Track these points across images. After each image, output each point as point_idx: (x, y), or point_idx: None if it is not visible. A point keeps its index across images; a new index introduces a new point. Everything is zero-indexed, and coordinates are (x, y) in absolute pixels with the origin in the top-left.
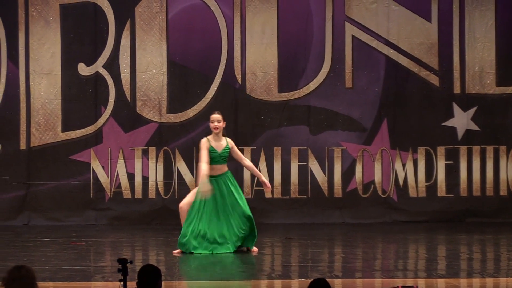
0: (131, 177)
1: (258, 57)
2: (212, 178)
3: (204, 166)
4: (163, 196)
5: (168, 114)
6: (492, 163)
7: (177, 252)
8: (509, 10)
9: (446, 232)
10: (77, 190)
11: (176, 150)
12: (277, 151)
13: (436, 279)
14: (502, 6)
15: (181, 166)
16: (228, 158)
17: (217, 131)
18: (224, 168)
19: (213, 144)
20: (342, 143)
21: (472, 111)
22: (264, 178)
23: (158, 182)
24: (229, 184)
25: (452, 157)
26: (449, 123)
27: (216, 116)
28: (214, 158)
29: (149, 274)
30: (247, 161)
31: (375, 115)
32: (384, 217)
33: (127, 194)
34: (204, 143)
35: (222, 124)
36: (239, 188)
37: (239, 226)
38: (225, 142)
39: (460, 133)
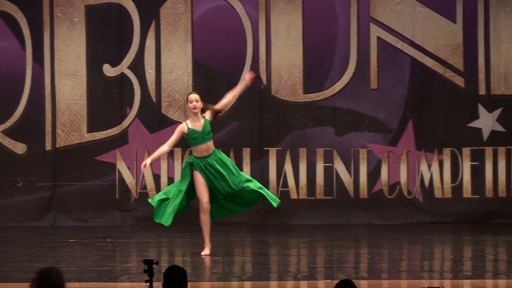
0: (156, 178)
1: (283, 58)
2: (198, 159)
3: (162, 147)
4: None
5: None
6: None
7: (205, 254)
8: None
9: (472, 233)
10: (103, 191)
11: None
12: (303, 152)
13: (461, 280)
14: None
15: None
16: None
17: (196, 110)
18: (210, 147)
19: (192, 125)
20: (368, 144)
21: (497, 112)
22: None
23: None
24: (217, 165)
25: (477, 158)
26: (474, 124)
27: (194, 96)
28: (197, 138)
29: (175, 275)
30: (226, 97)
31: (400, 116)
32: (410, 218)
33: (152, 195)
34: (179, 127)
35: (200, 104)
36: (230, 164)
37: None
38: (203, 118)
39: (485, 134)
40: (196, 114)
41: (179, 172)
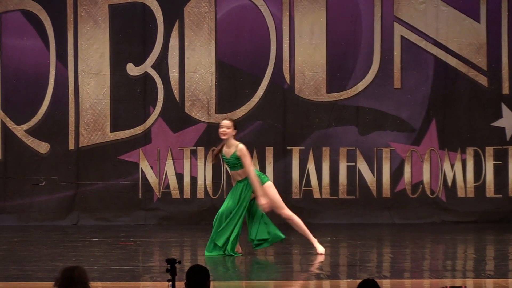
0: (179, 177)
1: (307, 57)
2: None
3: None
4: (212, 197)
5: (217, 115)
6: None
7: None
8: None
9: (495, 233)
10: (126, 190)
11: None
12: (326, 151)
13: (484, 279)
14: None
15: None
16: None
17: (223, 137)
18: (240, 176)
19: (224, 149)
20: (391, 143)
21: None
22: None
23: (206, 182)
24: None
25: (500, 157)
26: (497, 123)
27: (225, 122)
28: (227, 163)
29: (198, 274)
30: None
31: (423, 116)
32: (433, 217)
33: (175, 194)
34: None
35: (230, 131)
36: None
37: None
38: (234, 148)
39: (508, 134)
40: (224, 139)
41: (202, 171)
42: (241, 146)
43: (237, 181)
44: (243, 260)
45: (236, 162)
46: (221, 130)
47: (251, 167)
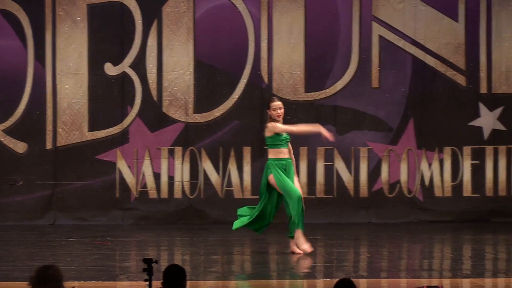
0: (157, 177)
1: (285, 57)
2: (279, 161)
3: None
4: (189, 196)
5: (195, 114)
6: None
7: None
8: None
9: (472, 232)
10: (103, 190)
11: (202, 150)
12: (303, 151)
13: (461, 279)
14: None
15: (207, 166)
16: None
17: (280, 118)
18: (284, 153)
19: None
20: (368, 143)
21: (498, 111)
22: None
23: (184, 182)
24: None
25: (478, 157)
26: (475, 123)
27: (278, 104)
28: (283, 141)
29: (174, 274)
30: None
31: (401, 115)
32: (410, 217)
33: (153, 194)
34: (273, 124)
35: (283, 111)
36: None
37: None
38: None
39: (486, 133)
40: (279, 121)
41: (180, 171)
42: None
43: (285, 158)
44: (219, 259)
45: (289, 139)
46: (279, 111)
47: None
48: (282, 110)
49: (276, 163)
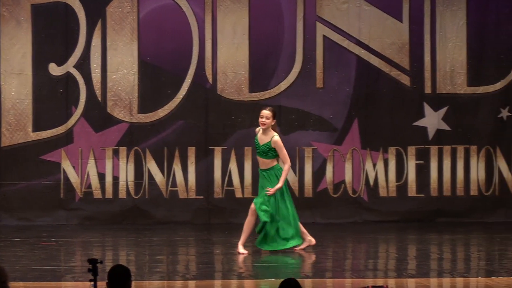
0: (101, 177)
1: (229, 57)
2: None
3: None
4: (134, 196)
5: (139, 114)
6: (463, 163)
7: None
8: (480, 10)
9: (417, 232)
10: (48, 190)
11: (147, 150)
12: (248, 151)
13: (406, 279)
14: (473, 6)
15: (151, 166)
16: (273, 155)
17: (263, 127)
18: (265, 164)
19: (259, 135)
20: (313, 143)
21: (443, 111)
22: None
23: (128, 182)
24: (261, 180)
25: (422, 157)
26: (420, 123)
27: (265, 112)
28: (256, 149)
29: (119, 274)
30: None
31: (346, 115)
32: (355, 217)
33: (97, 194)
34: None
35: (269, 122)
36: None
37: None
38: (270, 138)
39: (431, 133)
40: (264, 130)
41: (124, 171)
42: (276, 138)
43: (261, 169)
44: (164, 259)
45: (267, 151)
46: (261, 120)
47: (288, 160)
48: (264, 120)
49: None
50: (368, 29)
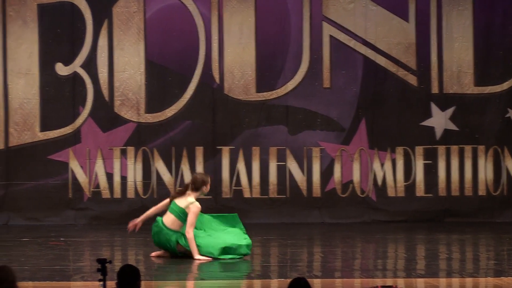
0: (109, 177)
1: (236, 57)
2: None
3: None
4: (142, 196)
5: (146, 114)
6: (471, 163)
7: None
8: (486, 9)
9: (425, 232)
10: (56, 190)
11: (155, 150)
12: (256, 151)
13: (415, 278)
14: (479, 6)
15: (159, 166)
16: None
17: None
18: (170, 222)
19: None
20: (321, 143)
21: (450, 111)
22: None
23: (136, 182)
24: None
25: (430, 156)
26: (427, 123)
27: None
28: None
29: (128, 274)
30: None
31: (353, 115)
32: (363, 216)
33: (105, 194)
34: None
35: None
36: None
37: None
38: (187, 202)
39: (438, 133)
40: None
41: (132, 171)
42: (196, 204)
43: (168, 228)
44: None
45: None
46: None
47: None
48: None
49: None
50: (375, 29)
